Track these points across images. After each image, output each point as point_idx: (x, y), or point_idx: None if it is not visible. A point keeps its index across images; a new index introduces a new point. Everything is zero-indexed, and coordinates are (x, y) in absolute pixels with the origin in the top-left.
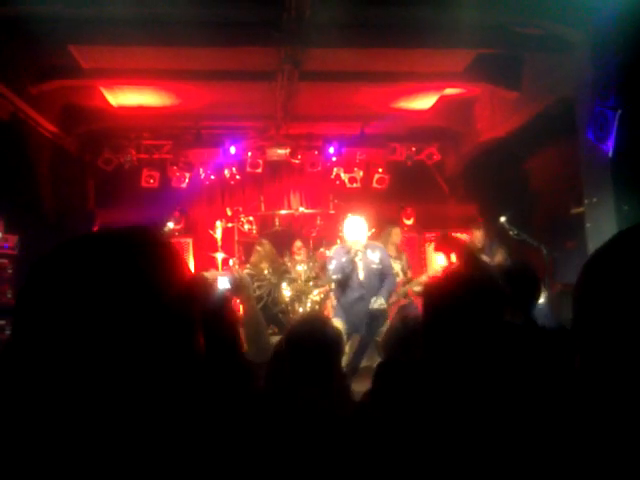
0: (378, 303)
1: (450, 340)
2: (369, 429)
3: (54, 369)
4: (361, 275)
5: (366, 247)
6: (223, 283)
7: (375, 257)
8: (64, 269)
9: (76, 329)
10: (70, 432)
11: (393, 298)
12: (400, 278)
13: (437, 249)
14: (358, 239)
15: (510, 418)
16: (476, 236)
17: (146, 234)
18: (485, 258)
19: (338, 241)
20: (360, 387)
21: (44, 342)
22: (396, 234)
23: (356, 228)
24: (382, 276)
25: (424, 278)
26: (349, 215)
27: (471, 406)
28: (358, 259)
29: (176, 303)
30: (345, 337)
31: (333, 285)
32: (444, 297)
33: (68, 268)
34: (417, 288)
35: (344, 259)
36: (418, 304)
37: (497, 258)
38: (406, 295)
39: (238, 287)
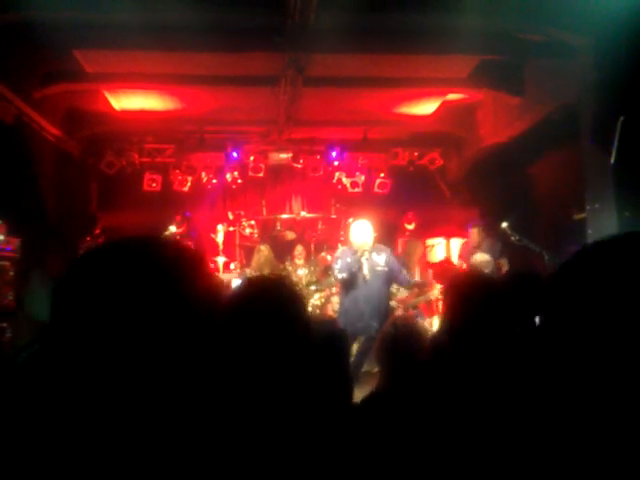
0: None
1: (476, 339)
2: (375, 429)
3: (87, 366)
4: (366, 276)
5: (372, 250)
6: (237, 284)
7: (380, 260)
8: (100, 273)
9: (108, 331)
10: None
11: (399, 311)
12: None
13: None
14: (364, 242)
15: (523, 419)
16: (472, 234)
17: (174, 244)
18: (485, 256)
19: (339, 245)
20: (361, 393)
21: (80, 341)
22: (419, 249)
23: (362, 231)
24: (390, 279)
25: (435, 293)
26: (351, 219)
27: (490, 407)
28: (364, 259)
29: (202, 305)
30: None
31: (334, 290)
32: (471, 295)
33: (103, 273)
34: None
35: (349, 259)
36: (425, 315)
37: (504, 269)
38: (415, 307)
39: None
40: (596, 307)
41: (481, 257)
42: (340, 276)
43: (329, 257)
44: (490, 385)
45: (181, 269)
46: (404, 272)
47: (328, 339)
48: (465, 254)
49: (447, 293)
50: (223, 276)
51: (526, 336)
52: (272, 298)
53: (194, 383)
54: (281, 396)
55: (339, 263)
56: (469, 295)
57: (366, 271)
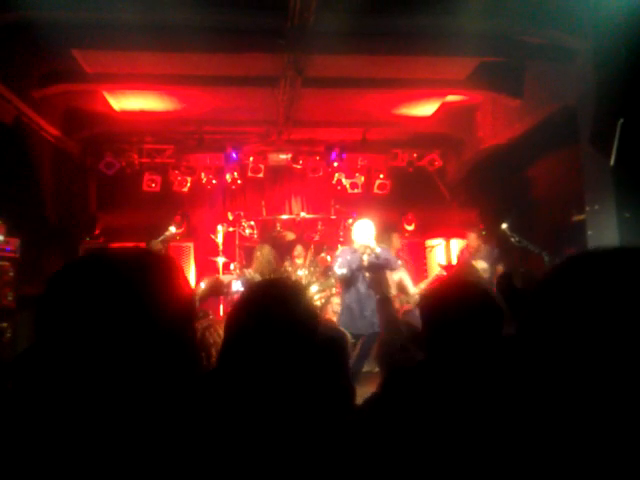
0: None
1: (451, 349)
2: (373, 434)
3: (61, 383)
4: (367, 274)
5: (373, 249)
6: (237, 285)
7: (380, 257)
8: (69, 291)
9: (79, 349)
10: (73, 437)
11: (397, 304)
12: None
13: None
14: (366, 241)
15: (507, 426)
16: (470, 239)
17: (148, 257)
18: (481, 264)
19: (339, 246)
20: (362, 393)
21: (51, 357)
22: (395, 239)
23: (365, 230)
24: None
25: (422, 286)
26: (351, 220)
27: (472, 413)
28: (365, 257)
29: (172, 322)
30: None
31: (334, 290)
32: (443, 307)
33: (74, 290)
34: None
35: (349, 257)
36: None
37: (499, 270)
38: (409, 301)
39: None
40: (581, 317)
41: (476, 265)
42: (340, 272)
43: (329, 258)
44: (480, 389)
45: (154, 280)
46: (394, 259)
47: (328, 343)
48: (464, 260)
49: (422, 307)
50: (223, 277)
51: (514, 339)
52: (280, 302)
53: (176, 386)
54: (284, 398)
55: (339, 261)
56: (441, 307)
57: (366, 269)
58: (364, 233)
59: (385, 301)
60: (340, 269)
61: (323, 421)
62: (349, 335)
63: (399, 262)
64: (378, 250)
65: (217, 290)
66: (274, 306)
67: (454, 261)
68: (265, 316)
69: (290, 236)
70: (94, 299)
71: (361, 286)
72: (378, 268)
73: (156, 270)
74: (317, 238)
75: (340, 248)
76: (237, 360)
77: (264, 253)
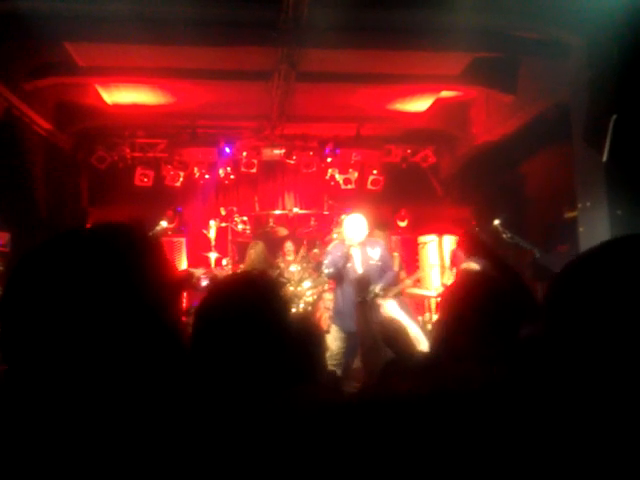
0: (372, 290)
1: (472, 341)
2: (363, 427)
3: (39, 363)
4: (359, 271)
5: (365, 244)
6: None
7: (375, 254)
8: (48, 266)
9: (58, 324)
10: (60, 417)
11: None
12: None
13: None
14: (356, 236)
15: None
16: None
17: (130, 232)
18: (471, 265)
19: (335, 237)
20: (352, 389)
21: (28, 337)
22: (377, 235)
23: (354, 225)
24: (382, 272)
25: (415, 277)
26: (344, 215)
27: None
28: (356, 255)
29: (156, 299)
30: (342, 343)
31: (326, 286)
32: (465, 301)
33: (51, 265)
34: (409, 284)
35: (338, 254)
36: (409, 303)
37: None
38: (398, 294)
39: None
40: (599, 312)
41: (467, 266)
42: (327, 271)
43: (324, 251)
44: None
45: (133, 256)
46: (394, 270)
47: (303, 338)
48: (456, 261)
49: (451, 297)
50: (194, 270)
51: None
52: (245, 294)
53: (155, 377)
54: (254, 394)
55: (328, 258)
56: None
57: (358, 266)
58: (354, 228)
59: (363, 305)
60: (327, 268)
61: (300, 414)
62: (340, 332)
63: (394, 266)
64: (371, 252)
65: (186, 282)
66: (243, 297)
67: (447, 259)
68: (234, 306)
69: (282, 232)
70: (77, 273)
71: (349, 285)
72: (373, 267)
73: (142, 244)
74: (309, 234)
75: (332, 243)
76: (204, 351)
77: (257, 250)
